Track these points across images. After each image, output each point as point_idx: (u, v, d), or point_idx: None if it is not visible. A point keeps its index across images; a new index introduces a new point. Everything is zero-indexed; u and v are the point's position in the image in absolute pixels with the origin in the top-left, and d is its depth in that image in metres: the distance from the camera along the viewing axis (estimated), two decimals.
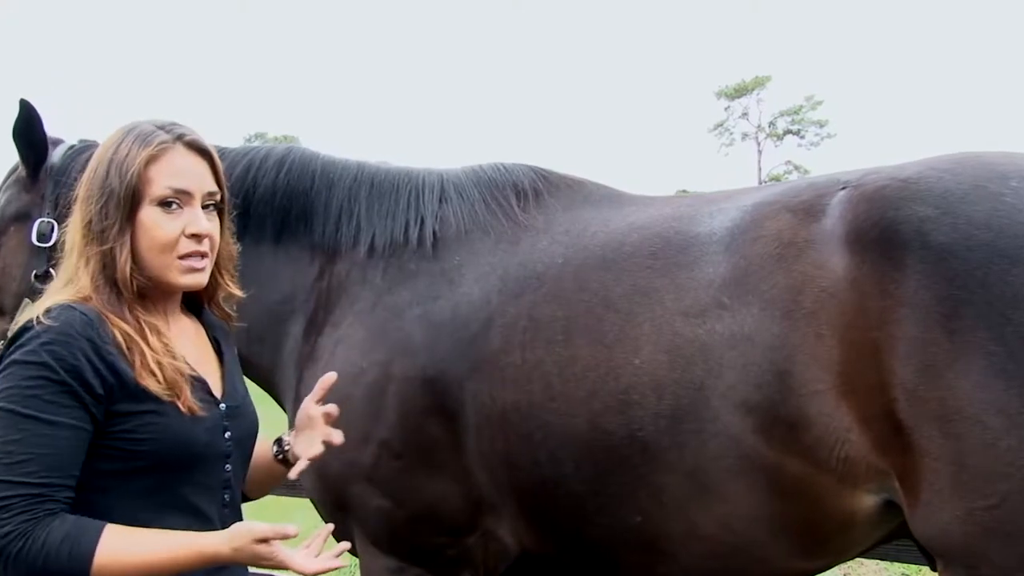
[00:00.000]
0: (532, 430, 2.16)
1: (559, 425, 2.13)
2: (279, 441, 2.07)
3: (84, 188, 1.82)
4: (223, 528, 1.74)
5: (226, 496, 1.87)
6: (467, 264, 2.38)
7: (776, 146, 72.41)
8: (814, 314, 1.91)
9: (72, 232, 1.81)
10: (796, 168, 69.15)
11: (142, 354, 1.72)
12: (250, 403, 2.01)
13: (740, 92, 72.01)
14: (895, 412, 1.81)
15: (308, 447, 1.99)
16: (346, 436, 2.28)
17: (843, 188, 2.02)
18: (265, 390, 2.81)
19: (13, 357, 1.64)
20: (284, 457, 2.05)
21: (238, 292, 1.99)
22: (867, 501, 1.94)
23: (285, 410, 2.67)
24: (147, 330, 1.76)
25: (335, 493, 2.40)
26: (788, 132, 71.23)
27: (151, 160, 1.79)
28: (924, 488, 1.80)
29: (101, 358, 1.66)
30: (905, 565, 4.79)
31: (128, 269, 1.76)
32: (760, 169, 71.66)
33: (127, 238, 1.77)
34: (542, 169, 2.59)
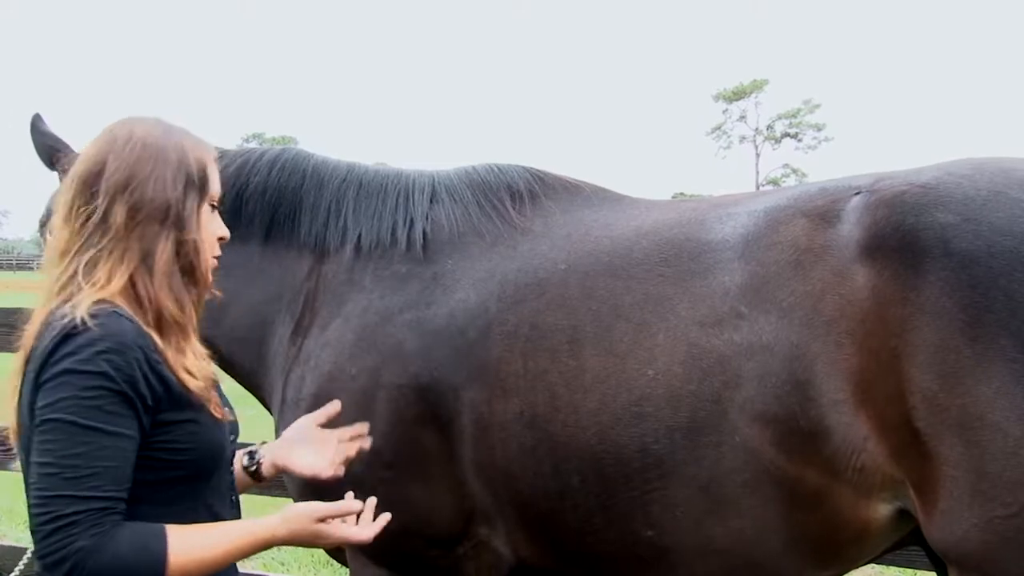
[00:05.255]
0: (535, 442, 2.10)
1: (565, 437, 2.07)
2: (251, 454, 2.08)
3: (149, 169, 1.73)
4: None
5: (233, 498, 1.89)
6: (461, 268, 2.32)
7: (774, 149, 72.63)
8: (833, 322, 1.87)
9: (117, 217, 1.70)
10: (794, 171, 69.32)
11: (184, 359, 1.71)
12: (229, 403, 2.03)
13: (738, 95, 72.16)
14: (913, 420, 1.79)
15: (300, 457, 2.04)
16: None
17: (857, 193, 1.98)
18: (248, 390, 2.77)
19: (66, 366, 1.57)
20: (257, 470, 2.07)
21: (217, 293, 2.00)
22: (882, 510, 1.92)
23: (271, 412, 2.61)
24: (190, 328, 1.77)
25: (324, 501, 2.35)
26: (786, 135, 71.41)
27: (212, 162, 1.86)
28: (942, 496, 1.78)
29: (151, 367, 1.63)
30: (900, 569, 4.77)
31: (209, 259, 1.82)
32: (758, 172, 71.79)
33: (201, 231, 1.81)
34: (537, 170, 2.53)
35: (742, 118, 73.29)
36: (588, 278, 2.16)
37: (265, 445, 2.09)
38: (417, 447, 2.23)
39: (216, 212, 1.88)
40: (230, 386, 2.18)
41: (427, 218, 2.44)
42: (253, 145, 2.96)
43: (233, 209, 2.58)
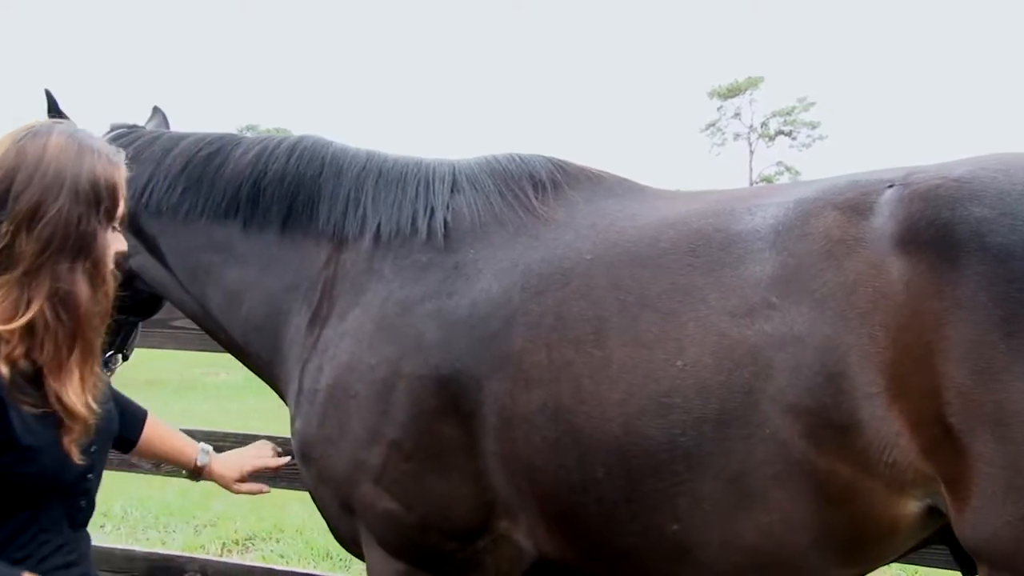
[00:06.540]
0: (559, 433, 2.08)
1: (590, 428, 2.04)
2: (204, 451, 2.54)
3: (60, 200, 1.74)
4: (75, 532, 1.93)
5: (83, 502, 1.96)
6: (484, 258, 2.29)
7: (768, 147, 72.88)
8: (867, 315, 1.85)
9: (23, 248, 1.72)
10: (787, 169, 69.67)
11: (69, 387, 1.76)
12: (110, 399, 2.06)
13: (733, 92, 72.34)
14: (946, 416, 1.77)
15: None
16: (353, 435, 2.27)
17: (890, 186, 1.96)
18: (263, 380, 2.75)
19: None
20: (200, 468, 2.53)
21: None
22: (911, 507, 1.90)
23: (286, 402, 2.60)
24: (95, 356, 1.83)
25: (341, 494, 2.33)
26: (780, 133, 71.64)
27: (122, 181, 1.85)
28: (975, 493, 1.76)
29: None
30: (902, 566, 4.78)
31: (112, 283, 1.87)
32: (751, 169, 71.99)
33: (107, 254, 1.84)
34: (559, 160, 2.50)
35: (736, 115, 73.48)
36: (614, 268, 2.13)
37: (216, 455, 2.56)
38: (437, 439, 2.20)
39: (117, 231, 1.90)
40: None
41: (448, 207, 2.41)
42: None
43: (251, 197, 2.57)
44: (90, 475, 1.96)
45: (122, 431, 2.31)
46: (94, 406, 1.80)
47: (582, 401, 2.05)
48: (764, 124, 72.03)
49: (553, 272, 2.19)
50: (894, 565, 4.82)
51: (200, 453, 2.53)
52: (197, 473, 2.54)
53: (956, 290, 1.77)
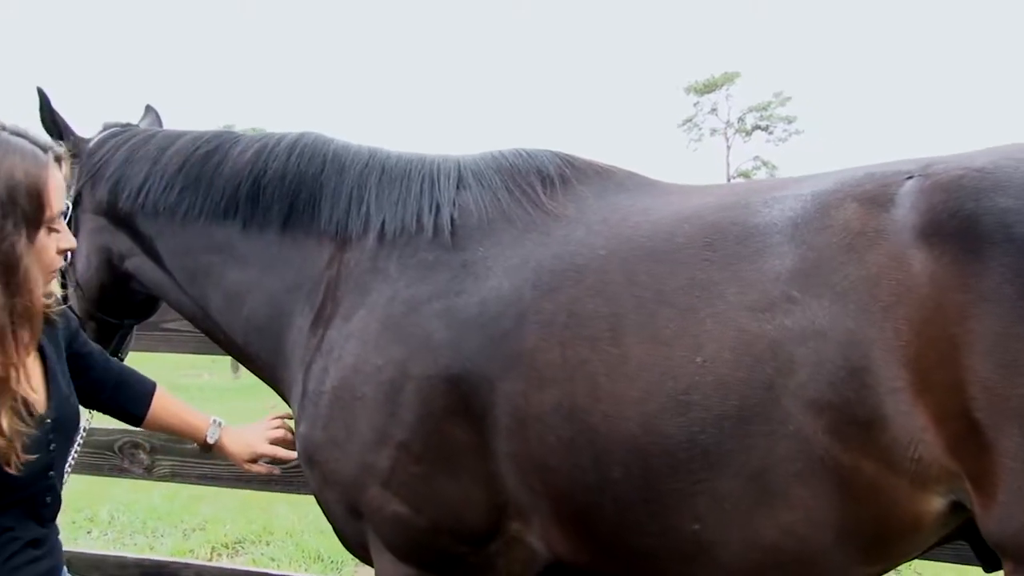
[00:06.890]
0: (574, 433, 2.04)
1: (607, 428, 2.00)
2: (216, 424, 2.54)
3: None
4: (43, 528, 1.95)
5: (48, 498, 1.98)
6: (493, 256, 2.24)
7: (745, 142, 73.20)
8: (890, 308, 1.82)
9: None
10: (764, 164, 70.08)
11: None
12: (72, 393, 2.05)
13: (709, 88, 72.61)
14: (971, 411, 1.74)
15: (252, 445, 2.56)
16: (360, 438, 2.23)
17: (910, 178, 1.94)
18: (265, 382, 2.70)
19: None
20: (210, 442, 2.53)
21: (57, 289, 2.03)
22: (935, 503, 1.87)
23: (288, 404, 2.56)
24: (14, 372, 1.78)
25: (348, 498, 2.29)
26: (757, 128, 72.01)
27: (51, 179, 1.78)
28: (1001, 489, 1.74)
29: None
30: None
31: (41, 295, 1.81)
32: (728, 164, 72.31)
33: (36, 262, 1.78)
34: (567, 154, 2.45)
35: (713, 111, 73.77)
36: (629, 263, 2.09)
37: (228, 428, 2.56)
38: (447, 440, 2.16)
39: (56, 230, 1.83)
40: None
41: (454, 204, 2.36)
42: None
43: (250, 196, 2.51)
44: (51, 472, 1.95)
45: (128, 407, 2.42)
46: (7, 429, 1.76)
47: (598, 400, 2.01)
48: (740, 119, 72.36)
49: (565, 269, 2.15)
50: None
51: (211, 427, 2.54)
52: (208, 449, 2.57)
53: (981, 282, 1.74)
